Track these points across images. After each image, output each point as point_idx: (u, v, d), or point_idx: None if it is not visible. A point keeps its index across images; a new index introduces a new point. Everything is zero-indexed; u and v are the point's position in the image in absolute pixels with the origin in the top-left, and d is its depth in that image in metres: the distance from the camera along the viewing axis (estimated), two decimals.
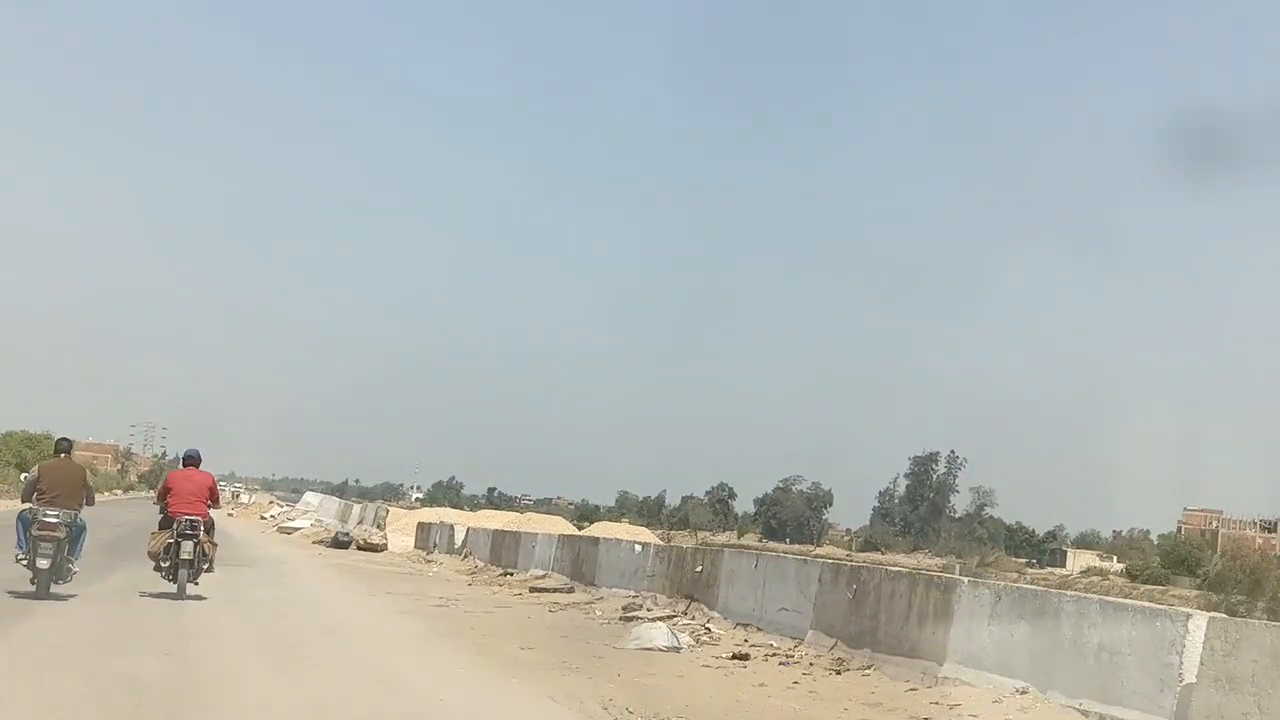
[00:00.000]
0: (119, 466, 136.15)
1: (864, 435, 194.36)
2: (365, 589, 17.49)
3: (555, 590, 17.98)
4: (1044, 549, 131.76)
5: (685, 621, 13.52)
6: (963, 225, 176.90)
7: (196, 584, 12.53)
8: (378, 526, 30.86)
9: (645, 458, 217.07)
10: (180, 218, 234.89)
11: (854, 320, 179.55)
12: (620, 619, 14.15)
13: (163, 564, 12.42)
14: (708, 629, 12.83)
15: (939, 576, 10.41)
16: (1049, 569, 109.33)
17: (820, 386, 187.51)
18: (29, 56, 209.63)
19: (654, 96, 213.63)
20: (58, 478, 11.67)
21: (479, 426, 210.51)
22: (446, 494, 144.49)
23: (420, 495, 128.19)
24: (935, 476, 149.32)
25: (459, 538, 26.34)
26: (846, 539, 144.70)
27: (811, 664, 10.43)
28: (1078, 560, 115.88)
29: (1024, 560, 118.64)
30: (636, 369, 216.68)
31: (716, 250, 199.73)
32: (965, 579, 9.97)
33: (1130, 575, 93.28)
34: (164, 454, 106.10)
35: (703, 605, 13.99)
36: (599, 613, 14.96)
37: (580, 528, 53.34)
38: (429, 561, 25.60)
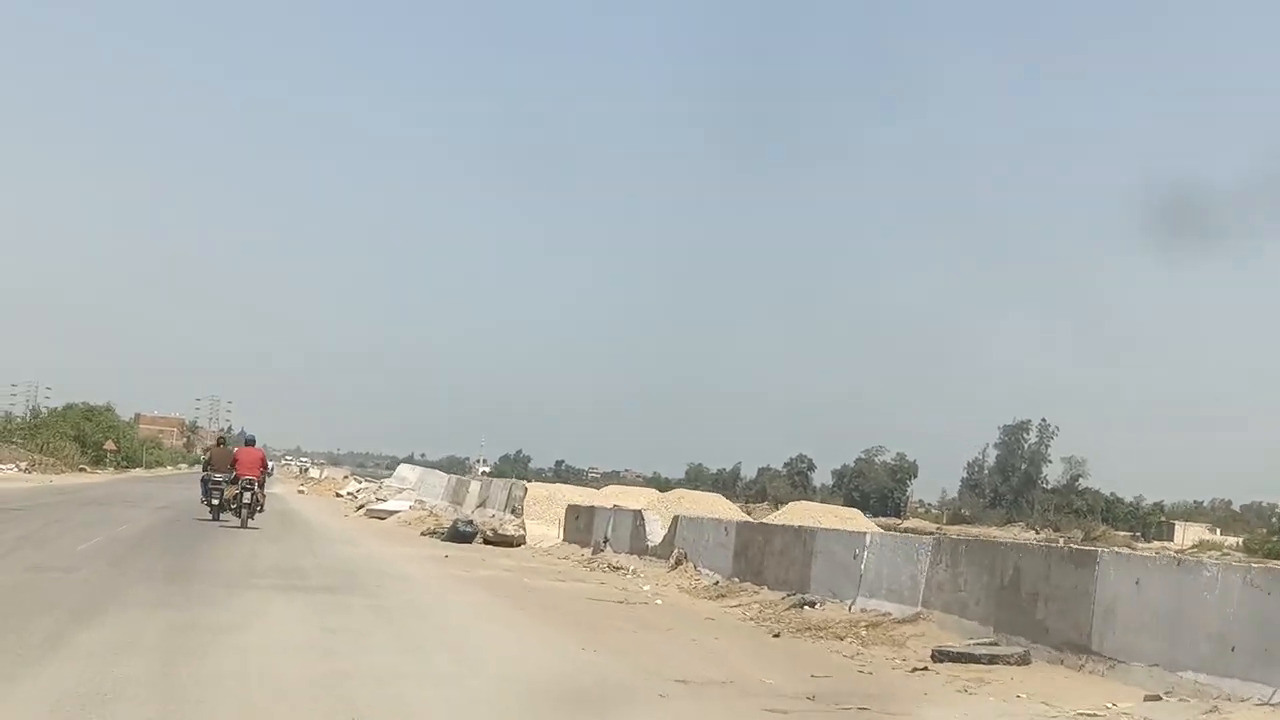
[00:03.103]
0: (184, 440, 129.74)
1: (946, 405, 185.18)
2: (609, 657, 9.00)
3: (981, 658, 9.28)
4: (1148, 521, 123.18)
5: None
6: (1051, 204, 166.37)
7: (253, 519, 20.87)
8: (512, 512, 22.32)
9: (717, 428, 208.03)
10: (239, 200, 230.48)
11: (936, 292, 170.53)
12: None
13: (231, 506, 21.19)
14: None
15: None
16: (1156, 542, 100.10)
17: (901, 354, 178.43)
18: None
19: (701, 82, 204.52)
20: (219, 457, 21.85)
21: (544, 398, 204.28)
22: (514, 467, 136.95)
23: (487, 469, 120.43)
24: (1027, 446, 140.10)
25: (654, 531, 17.51)
26: (923, 511, 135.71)
27: None
28: (1186, 533, 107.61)
29: (1128, 533, 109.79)
30: (707, 339, 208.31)
31: (798, 213, 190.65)
32: None
33: (1249, 550, 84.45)
34: (229, 428, 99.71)
35: None
36: None
37: (749, 511, 40.08)
38: (615, 569, 16.92)
